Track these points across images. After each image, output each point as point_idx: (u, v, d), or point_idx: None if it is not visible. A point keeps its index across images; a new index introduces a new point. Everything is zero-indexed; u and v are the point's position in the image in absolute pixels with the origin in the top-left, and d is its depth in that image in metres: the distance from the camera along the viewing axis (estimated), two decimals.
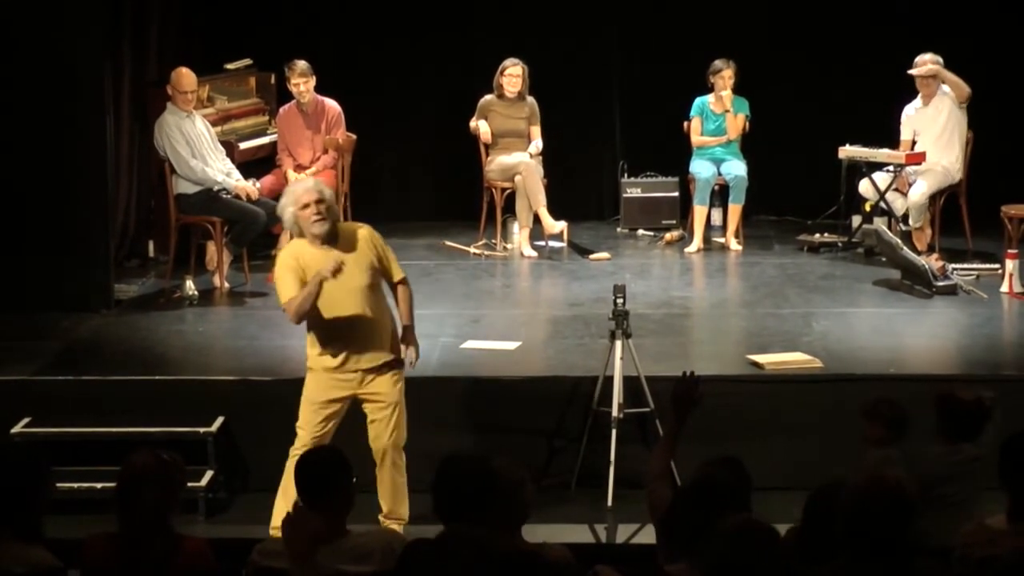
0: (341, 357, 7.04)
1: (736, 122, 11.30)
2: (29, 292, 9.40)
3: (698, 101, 11.36)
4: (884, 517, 4.37)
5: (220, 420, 7.96)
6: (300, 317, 6.97)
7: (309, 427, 7.08)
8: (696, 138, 11.34)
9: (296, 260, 6.96)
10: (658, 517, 5.12)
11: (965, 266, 10.39)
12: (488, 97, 11.37)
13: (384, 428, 7.14)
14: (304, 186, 7.10)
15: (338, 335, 7.02)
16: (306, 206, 6.95)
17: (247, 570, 5.04)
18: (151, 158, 10.69)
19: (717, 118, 11.33)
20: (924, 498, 5.31)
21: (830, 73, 12.07)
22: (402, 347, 7.21)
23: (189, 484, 7.50)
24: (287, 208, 7.02)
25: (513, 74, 11.28)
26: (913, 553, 4.48)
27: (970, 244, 11.02)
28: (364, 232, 7.15)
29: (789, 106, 11.97)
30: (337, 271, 6.80)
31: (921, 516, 4.52)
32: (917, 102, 11.05)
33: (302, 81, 11.01)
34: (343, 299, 6.97)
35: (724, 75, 11.23)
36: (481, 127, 11.33)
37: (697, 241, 11.25)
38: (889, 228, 10.60)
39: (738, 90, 11.30)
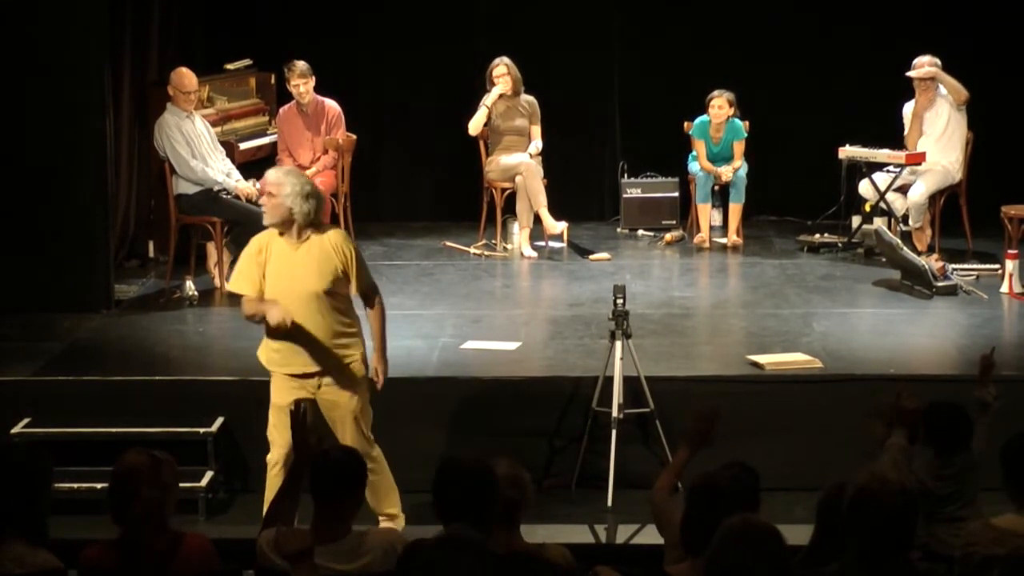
0: (291, 361, 6.86)
1: (736, 148, 11.29)
2: (29, 292, 9.40)
3: (699, 123, 11.32)
4: (888, 518, 4.36)
5: (220, 420, 7.95)
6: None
7: (281, 430, 6.85)
8: (704, 162, 11.31)
9: (261, 250, 6.84)
10: (666, 526, 5.12)
11: (965, 266, 10.38)
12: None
13: (341, 438, 6.91)
14: (268, 176, 6.93)
15: (288, 339, 6.83)
16: (261, 194, 6.94)
17: (255, 565, 5.04)
18: (151, 158, 10.69)
19: (718, 146, 11.31)
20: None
21: (830, 73, 12.06)
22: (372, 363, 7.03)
23: (189, 484, 7.52)
24: None
25: (500, 74, 11.28)
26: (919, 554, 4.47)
27: (970, 244, 11.03)
28: (337, 238, 6.89)
29: (789, 106, 11.97)
30: (281, 323, 6.71)
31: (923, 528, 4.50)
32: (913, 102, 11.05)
33: (302, 82, 11.01)
34: (293, 304, 6.76)
35: (714, 104, 11.21)
36: (475, 122, 11.33)
37: (704, 232, 11.27)
38: (889, 228, 10.59)
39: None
